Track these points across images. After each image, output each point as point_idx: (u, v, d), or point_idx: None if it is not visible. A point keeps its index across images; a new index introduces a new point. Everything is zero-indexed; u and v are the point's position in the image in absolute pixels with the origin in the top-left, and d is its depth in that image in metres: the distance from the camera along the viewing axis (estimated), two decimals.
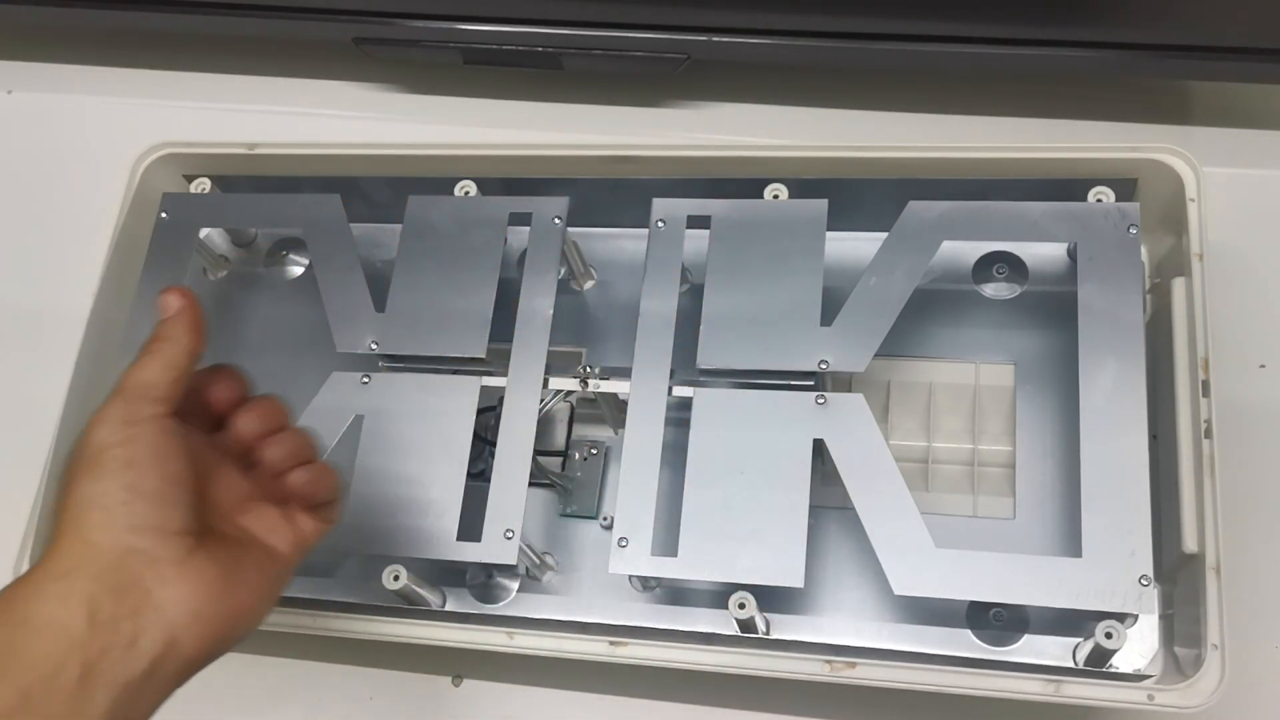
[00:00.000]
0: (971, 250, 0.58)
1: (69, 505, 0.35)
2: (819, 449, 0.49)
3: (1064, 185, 0.54)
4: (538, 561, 0.54)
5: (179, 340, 0.39)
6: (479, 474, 0.54)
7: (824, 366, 0.50)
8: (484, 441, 0.54)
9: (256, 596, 0.38)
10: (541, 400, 0.52)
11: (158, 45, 0.78)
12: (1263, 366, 0.59)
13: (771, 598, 0.50)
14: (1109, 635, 0.46)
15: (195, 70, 0.78)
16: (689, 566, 0.48)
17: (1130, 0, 0.60)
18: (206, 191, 0.63)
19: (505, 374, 0.53)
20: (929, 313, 0.56)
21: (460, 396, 0.53)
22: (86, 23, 0.74)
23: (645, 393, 0.52)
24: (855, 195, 0.56)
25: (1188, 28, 0.60)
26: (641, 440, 0.51)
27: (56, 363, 0.59)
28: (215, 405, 0.41)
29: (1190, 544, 0.47)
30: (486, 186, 0.59)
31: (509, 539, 0.49)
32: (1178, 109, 0.67)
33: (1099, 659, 0.47)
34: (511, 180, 0.60)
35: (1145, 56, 0.61)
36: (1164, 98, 0.67)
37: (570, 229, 0.57)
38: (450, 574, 0.54)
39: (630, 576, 0.52)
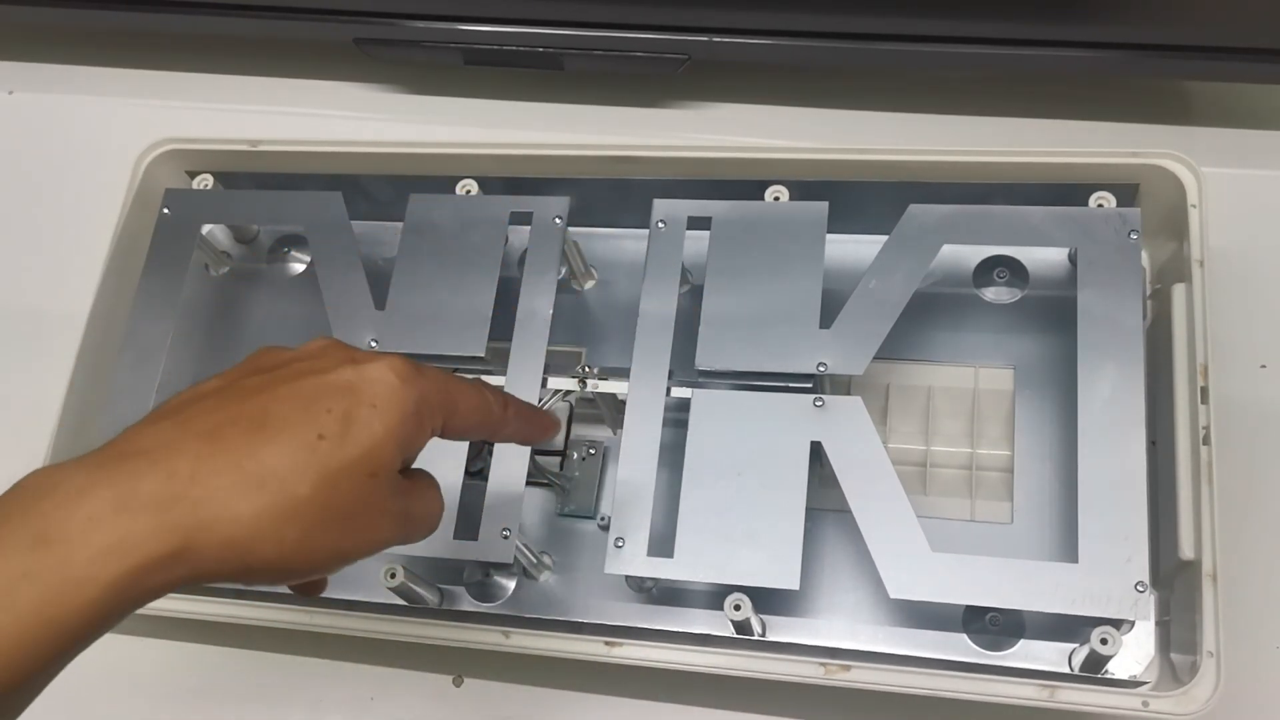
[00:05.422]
0: (972, 254, 0.58)
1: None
2: (816, 451, 0.49)
3: (1065, 190, 0.54)
4: (535, 561, 0.54)
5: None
6: (477, 472, 0.55)
7: (823, 369, 0.50)
8: (482, 440, 0.54)
9: None
10: (540, 399, 0.52)
11: (158, 45, 0.78)
12: (1263, 367, 0.59)
13: (767, 600, 0.50)
14: (1104, 641, 0.46)
15: (195, 70, 0.78)
16: (685, 567, 0.48)
17: (1130, 0, 0.59)
18: (209, 188, 0.63)
19: (504, 373, 0.53)
20: (929, 316, 0.56)
21: None
22: (86, 23, 0.73)
23: (644, 393, 0.52)
24: (856, 198, 0.56)
25: (1188, 28, 0.60)
26: (639, 441, 0.51)
27: (56, 362, 0.59)
28: None
29: (1187, 551, 0.47)
30: (487, 186, 0.59)
31: (506, 538, 0.50)
32: (1178, 109, 0.67)
33: (1094, 665, 0.48)
34: (512, 180, 0.60)
35: (1145, 56, 0.61)
36: (1164, 98, 0.67)
37: (571, 229, 0.57)
38: (447, 572, 0.54)
39: (626, 577, 0.52)
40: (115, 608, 0.29)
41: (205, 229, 0.62)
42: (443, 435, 0.36)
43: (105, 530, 0.28)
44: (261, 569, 0.31)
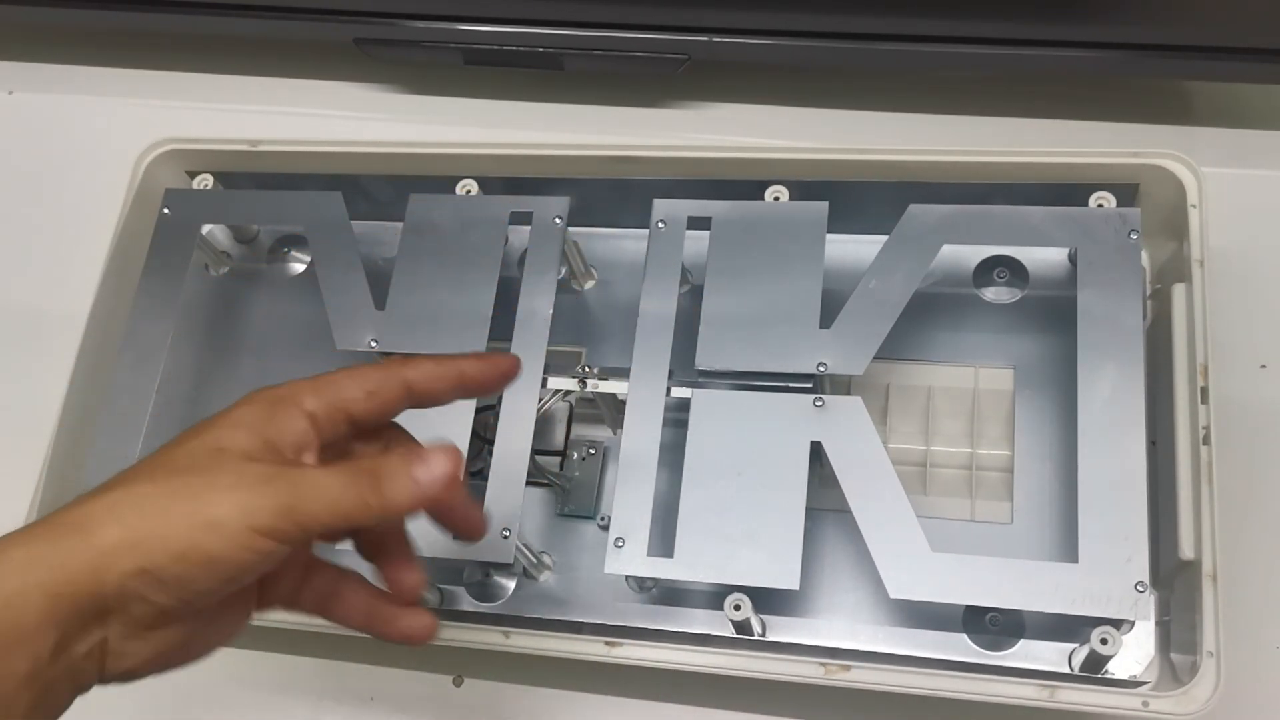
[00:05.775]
0: (972, 254, 0.58)
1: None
2: (816, 451, 0.49)
3: (1065, 190, 0.54)
4: (535, 561, 0.54)
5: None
6: (477, 473, 0.55)
7: (822, 369, 0.50)
8: (482, 440, 0.54)
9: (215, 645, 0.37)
10: (540, 400, 0.52)
11: (158, 45, 0.78)
12: (1263, 367, 0.59)
13: (767, 599, 0.50)
14: (1104, 641, 0.46)
15: (195, 70, 0.78)
16: (685, 567, 0.48)
17: (1130, 0, 0.60)
18: (209, 188, 0.63)
19: None
20: (929, 316, 0.56)
21: None
22: (86, 23, 0.73)
23: (644, 393, 0.52)
24: (856, 198, 0.56)
25: (1188, 28, 0.60)
26: (639, 441, 0.51)
27: (56, 362, 0.59)
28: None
29: (1187, 551, 0.47)
30: (487, 186, 0.59)
31: (506, 538, 0.49)
32: (1178, 109, 0.67)
33: (1094, 665, 0.48)
34: (512, 180, 0.60)
35: (1145, 56, 0.61)
36: (1164, 98, 0.67)
37: (571, 229, 0.57)
38: (447, 572, 0.54)
39: (626, 577, 0.52)
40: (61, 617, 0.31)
41: (205, 229, 0.62)
42: (356, 417, 0.37)
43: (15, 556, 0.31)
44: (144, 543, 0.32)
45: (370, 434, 0.39)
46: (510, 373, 0.40)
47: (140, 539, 0.32)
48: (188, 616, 0.34)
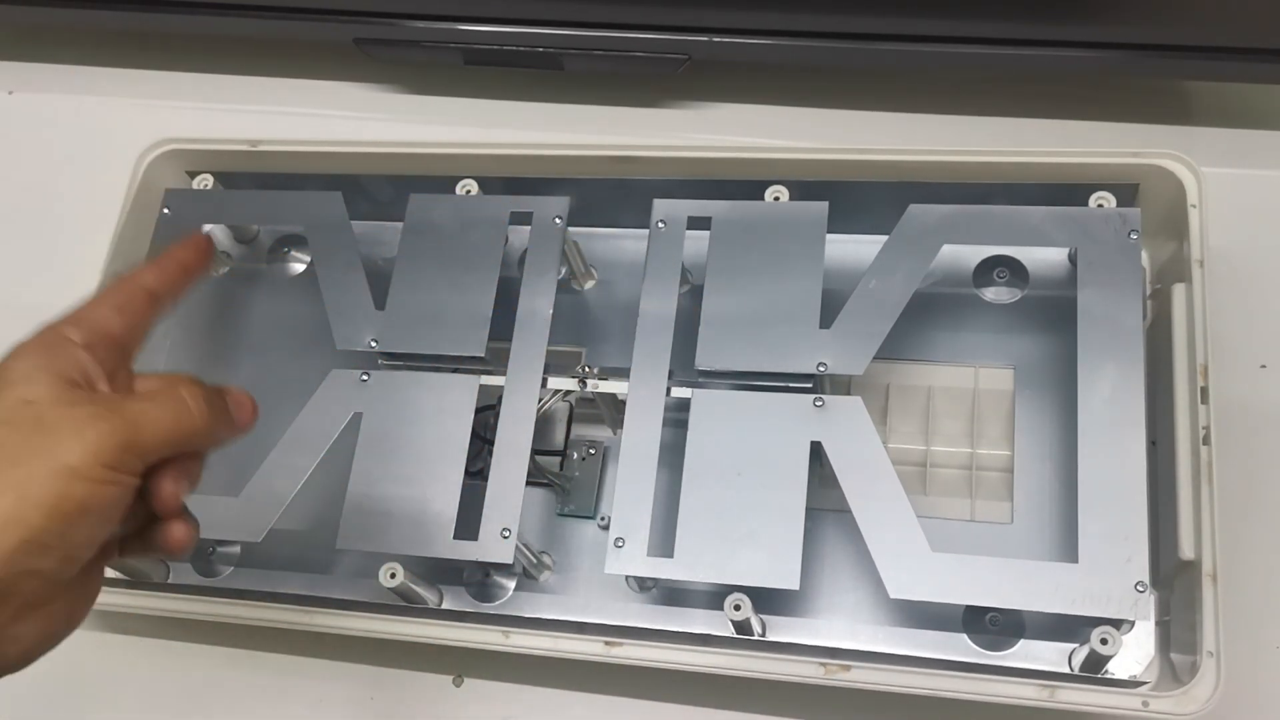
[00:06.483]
0: (972, 254, 0.58)
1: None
2: (816, 451, 0.49)
3: (1065, 190, 0.54)
4: (535, 561, 0.54)
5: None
6: (477, 472, 0.55)
7: (822, 369, 0.50)
8: (482, 440, 0.54)
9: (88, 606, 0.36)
10: (540, 400, 0.52)
11: (158, 45, 0.78)
12: (1263, 367, 0.59)
13: (767, 599, 0.50)
14: (1104, 641, 0.46)
15: (195, 70, 0.78)
16: (685, 567, 0.48)
17: (1130, 0, 0.60)
18: (209, 188, 0.63)
19: (504, 373, 0.53)
20: (929, 316, 0.56)
21: (459, 395, 0.53)
22: (86, 23, 0.73)
23: (644, 393, 0.52)
24: (856, 198, 0.56)
25: (1188, 28, 0.60)
26: (639, 441, 0.51)
27: None
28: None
29: (1187, 551, 0.47)
30: (487, 186, 0.59)
31: (506, 538, 0.50)
32: (1178, 109, 0.67)
33: (1094, 665, 0.48)
34: (512, 180, 0.60)
35: (1145, 56, 0.61)
36: (1164, 98, 0.67)
37: (571, 229, 0.57)
38: (447, 572, 0.54)
39: (627, 577, 0.52)
40: None
41: (205, 229, 0.62)
42: (118, 339, 0.37)
43: None
44: None
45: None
46: (200, 242, 0.42)
47: (10, 511, 0.31)
48: (70, 581, 0.34)
